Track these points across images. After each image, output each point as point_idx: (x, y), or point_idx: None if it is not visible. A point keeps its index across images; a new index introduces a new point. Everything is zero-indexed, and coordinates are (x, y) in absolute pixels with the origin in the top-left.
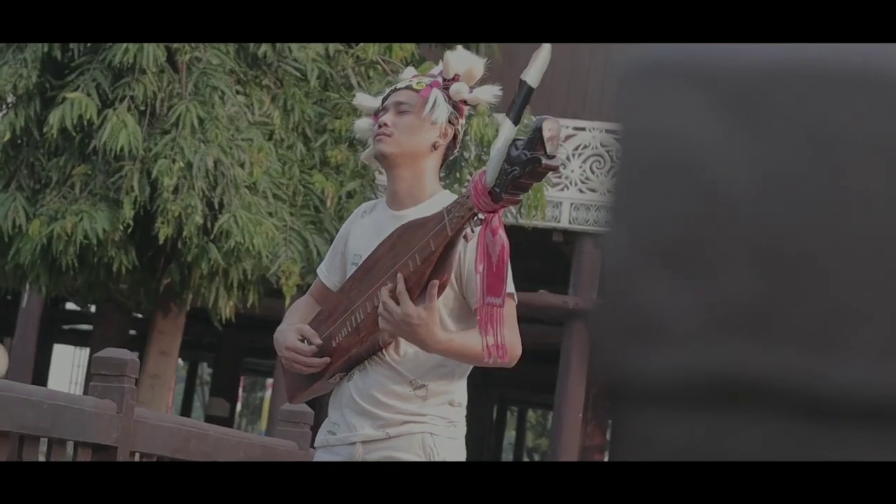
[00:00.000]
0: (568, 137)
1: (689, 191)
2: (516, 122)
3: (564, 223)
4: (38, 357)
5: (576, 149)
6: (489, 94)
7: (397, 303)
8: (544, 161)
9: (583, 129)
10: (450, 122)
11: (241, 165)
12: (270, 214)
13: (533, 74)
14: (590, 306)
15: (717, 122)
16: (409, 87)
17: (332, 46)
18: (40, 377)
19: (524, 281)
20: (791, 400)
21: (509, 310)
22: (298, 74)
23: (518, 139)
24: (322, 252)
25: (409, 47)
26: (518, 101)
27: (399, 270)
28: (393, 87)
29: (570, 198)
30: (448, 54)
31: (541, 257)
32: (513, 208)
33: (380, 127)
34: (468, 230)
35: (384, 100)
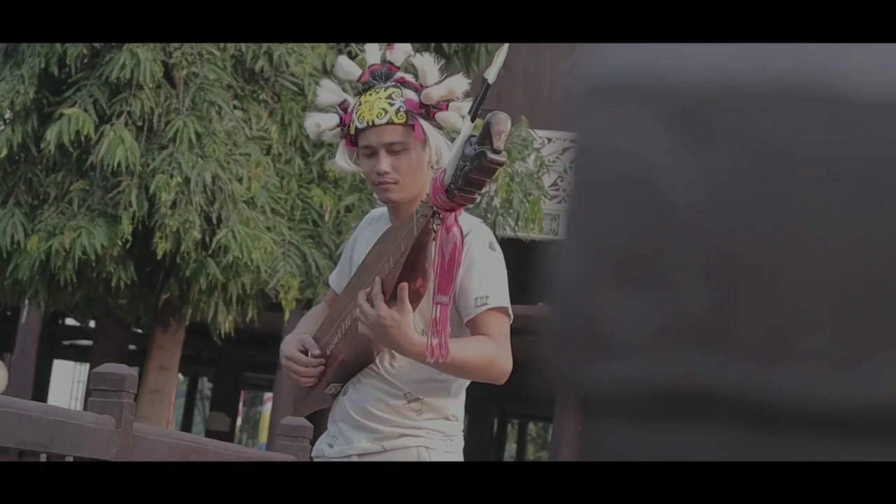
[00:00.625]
0: (566, 150)
1: (639, 205)
2: (473, 118)
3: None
4: (38, 373)
5: (572, 161)
6: (460, 88)
7: (372, 305)
8: (490, 155)
9: None
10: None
11: (239, 180)
12: (269, 229)
13: (492, 72)
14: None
15: (665, 137)
16: (390, 123)
17: (328, 60)
18: (40, 393)
19: (523, 294)
20: (743, 410)
21: (503, 326)
22: (295, 89)
23: (473, 135)
24: (321, 266)
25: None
26: (477, 100)
27: (378, 274)
28: (368, 122)
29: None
30: (429, 82)
31: (538, 270)
32: (511, 221)
33: (379, 175)
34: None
35: (357, 129)
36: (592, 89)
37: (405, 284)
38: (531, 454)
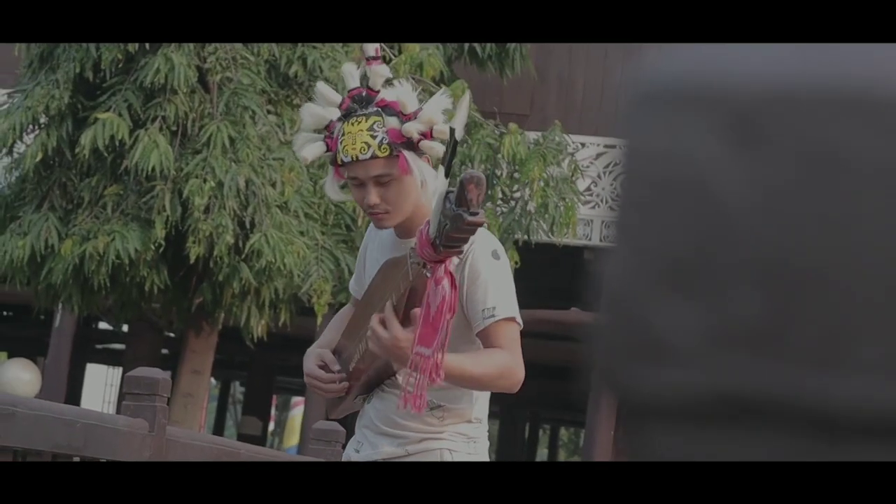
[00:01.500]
0: (599, 155)
1: (692, 211)
2: (447, 173)
3: (595, 241)
4: (71, 376)
5: (606, 166)
6: (437, 116)
7: (385, 328)
8: (468, 218)
9: (613, 146)
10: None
11: (273, 185)
12: (302, 233)
13: (459, 125)
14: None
15: (718, 143)
16: (374, 157)
17: (361, 65)
18: (73, 396)
19: (555, 299)
20: (795, 416)
21: (512, 334)
22: None
23: (451, 191)
24: (353, 270)
25: (438, 64)
26: (448, 153)
27: (386, 300)
28: (352, 157)
29: (602, 216)
30: (421, 111)
31: (572, 275)
32: (544, 225)
33: (370, 207)
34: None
35: (343, 161)
36: (645, 95)
37: (416, 309)
38: (563, 459)
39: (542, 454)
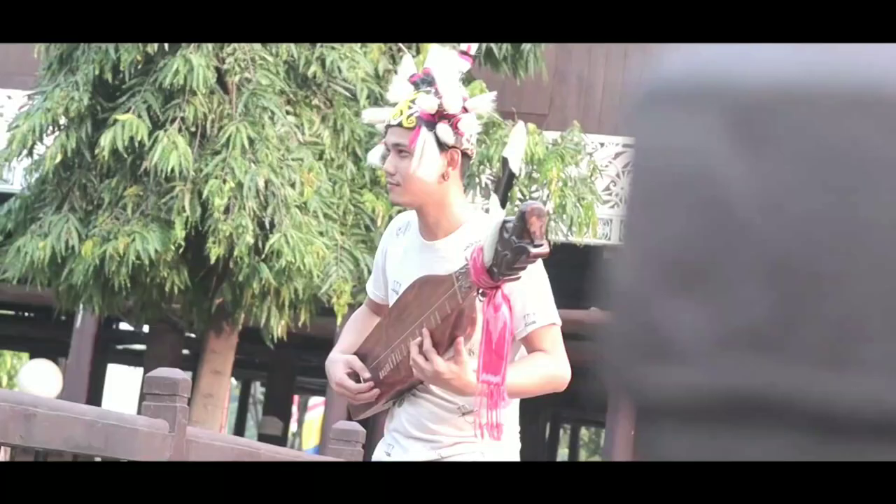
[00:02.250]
0: (618, 155)
1: (700, 210)
2: (503, 204)
3: (615, 240)
4: (93, 377)
5: (626, 166)
6: (484, 105)
7: (426, 358)
8: (532, 251)
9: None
10: (452, 147)
11: (292, 185)
12: (321, 234)
13: (515, 156)
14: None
15: (725, 142)
16: (400, 125)
17: (381, 66)
18: (94, 397)
19: (575, 299)
20: (803, 416)
21: (555, 337)
22: (348, 94)
23: (508, 220)
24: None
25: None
26: (503, 183)
27: (424, 323)
28: (387, 123)
29: (621, 215)
30: (444, 89)
31: (592, 275)
32: (563, 226)
33: (387, 175)
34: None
35: (387, 127)
36: (652, 93)
37: (461, 339)
38: (583, 459)
39: (562, 454)
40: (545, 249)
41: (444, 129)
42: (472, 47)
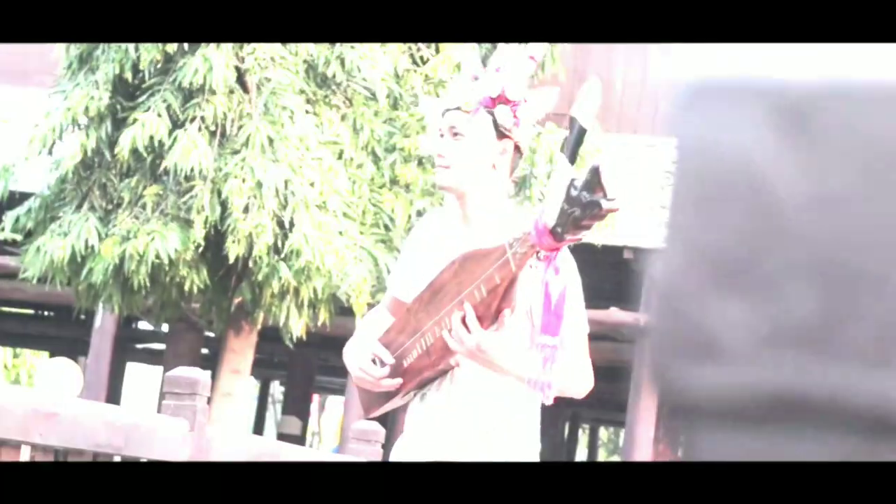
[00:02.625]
0: (639, 154)
1: (744, 207)
2: (572, 161)
3: (635, 240)
4: (112, 376)
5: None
6: (547, 100)
7: (468, 330)
8: (605, 204)
9: (653, 146)
10: (506, 136)
11: (311, 185)
12: (340, 233)
13: (586, 113)
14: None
15: (773, 139)
16: (458, 109)
17: (400, 65)
18: (114, 396)
19: (595, 298)
20: (848, 415)
21: (581, 343)
22: (368, 94)
23: (574, 179)
24: (391, 270)
25: None
26: (572, 141)
27: (466, 299)
28: (446, 108)
29: (642, 214)
30: (505, 79)
31: (612, 275)
32: None
33: (437, 157)
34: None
35: (444, 113)
36: (696, 90)
37: (507, 310)
38: (602, 459)
39: (581, 454)
40: (618, 204)
41: (503, 112)
42: (538, 53)
